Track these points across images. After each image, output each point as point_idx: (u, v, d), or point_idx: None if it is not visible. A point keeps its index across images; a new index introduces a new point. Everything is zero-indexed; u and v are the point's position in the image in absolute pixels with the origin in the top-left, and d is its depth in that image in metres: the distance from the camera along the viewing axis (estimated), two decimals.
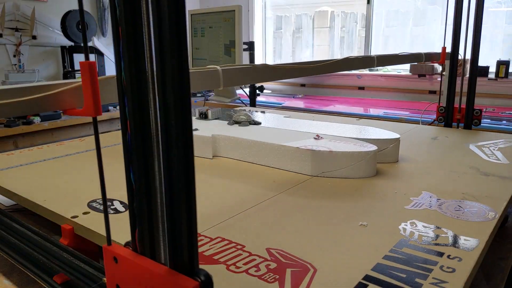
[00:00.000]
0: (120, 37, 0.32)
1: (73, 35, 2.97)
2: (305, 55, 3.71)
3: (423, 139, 1.14)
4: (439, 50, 1.38)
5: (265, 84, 3.03)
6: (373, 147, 0.82)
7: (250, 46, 2.26)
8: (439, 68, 2.68)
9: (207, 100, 2.66)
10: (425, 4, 2.99)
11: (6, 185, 0.76)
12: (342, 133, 0.96)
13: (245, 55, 2.09)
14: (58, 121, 2.34)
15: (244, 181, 0.78)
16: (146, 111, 0.32)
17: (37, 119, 2.45)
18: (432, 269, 0.46)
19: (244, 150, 0.92)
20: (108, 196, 0.70)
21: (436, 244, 0.52)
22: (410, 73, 2.65)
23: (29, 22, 2.99)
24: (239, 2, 1.68)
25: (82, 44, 3.06)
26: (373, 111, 2.39)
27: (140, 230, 0.36)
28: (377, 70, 3.09)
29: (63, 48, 3.11)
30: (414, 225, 0.58)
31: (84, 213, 0.63)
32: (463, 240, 0.53)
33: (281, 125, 1.07)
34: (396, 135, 0.92)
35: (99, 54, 2.93)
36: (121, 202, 0.67)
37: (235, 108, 1.46)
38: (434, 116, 1.39)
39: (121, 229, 0.58)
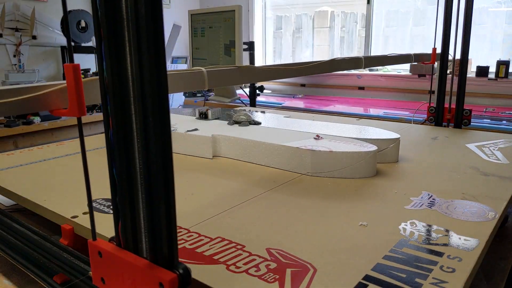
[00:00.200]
0: (102, 38, 0.33)
1: (73, 35, 2.97)
2: (305, 55, 3.71)
3: (423, 139, 1.14)
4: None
5: (265, 84, 3.03)
6: (373, 147, 0.82)
7: (250, 46, 2.26)
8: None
9: (207, 100, 2.66)
10: (425, 4, 3.00)
11: (6, 185, 0.76)
12: (342, 133, 0.96)
13: (245, 55, 2.09)
14: (58, 121, 2.35)
15: (244, 181, 0.78)
16: (128, 109, 0.33)
17: (37, 119, 2.45)
18: (432, 269, 0.46)
19: (244, 150, 0.92)
20: (109, 196, 0.70)
21: (436, 244, 0.52)
22: (410, 73, 2.65)
23: (29, 22, 2.99)
24: (239, 2, 1.68)
25: (82, 44, 3.06)
26: (373, 111, 2.39)
27: (123, 224, 0.37)
28: (377, 70, 3.09)
29: (63, 48, 3.11)
30: (414, 225, 0.58)
31: (84, 213, 0.63)
32: (463, 240, 0.53)
33: (281, 125, 1.07)
34: (396, 135, 0.92)
35: None
36: None
37: (235, 108, 1.46)
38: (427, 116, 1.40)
39: None
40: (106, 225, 0.59)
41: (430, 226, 0.58)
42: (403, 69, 2.88)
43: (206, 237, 0.55)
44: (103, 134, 1.15)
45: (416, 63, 2.64)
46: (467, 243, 0.53)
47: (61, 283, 0.51)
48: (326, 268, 0.47)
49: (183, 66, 3.66)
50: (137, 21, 0.31)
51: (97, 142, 1.12)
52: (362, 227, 0.58)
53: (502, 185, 0.75)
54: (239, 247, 0.52)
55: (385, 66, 3.05)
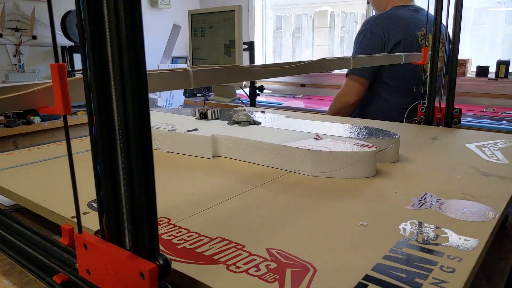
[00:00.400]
0: (85, 39, 0.35)
1: (73, 35, 2.97)
2: (305, 55, 3.71)
3: (423, 139, 1.14)
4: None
5: (265, 84, 3.03)
6: (373, 147, 0.82)
7: (250, 46, 2.26)
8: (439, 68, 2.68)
9: (207, 100, 2.66)
10: (425, 4, 2.99)
11: (6, 185, 0.76)
12: (342, 133, 0.96)
13: (245, 55, 2.09)
14: (58, 121, 2.34)
15: (244, 181, 0.78)
16: (110, 107, 0.35)
17: (37, 119, 2.45)
18: (432, 269, 0.46)
19: (244, 150, 0.92)
20: None
21: (436, 244, 0.52)
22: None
23: (29, 22, 2.99)
24: (239, 2, 1.68)
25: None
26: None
27: (107, 218, 0.39)
28: None
29: (63, 48, 3.11)
30: (414, 225, 0.58)
31: (84, 213, 0.63)
32: (463, 240, 0.53)
33: (281, 125, 1.07)
34: (396, 135, 0.92)
35: None
36: None
37: (235, 108, 1.46)
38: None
39: None
40: None
41: (430, 226, 0.58)
42: None
43: (206, 237, 0.55)
44: None
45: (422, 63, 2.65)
46: (467, 243, 0.53)
47: (61, 283, 0.51)
48: (326, 268, 0.47)
49: (183, 66, 3.65)
50: (117, 23, 0.33)
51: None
52: (362, 227, 0.58)
53: (502, 185, 0.75)
54: (239, 247, 0.52)
55: None
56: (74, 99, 0.41)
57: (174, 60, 3.57)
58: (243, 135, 0.94)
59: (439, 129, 1.30)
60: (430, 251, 0.51)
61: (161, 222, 0.60)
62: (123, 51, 0.33)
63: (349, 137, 0.90)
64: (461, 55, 2.72)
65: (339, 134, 0.94)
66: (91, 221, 0.60)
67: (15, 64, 2.90)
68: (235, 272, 0.47)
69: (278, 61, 3.88)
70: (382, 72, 1.75)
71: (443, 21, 1.34)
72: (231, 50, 1.56)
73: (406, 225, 0.58)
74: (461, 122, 1.32)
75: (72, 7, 3.04)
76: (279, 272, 0.46)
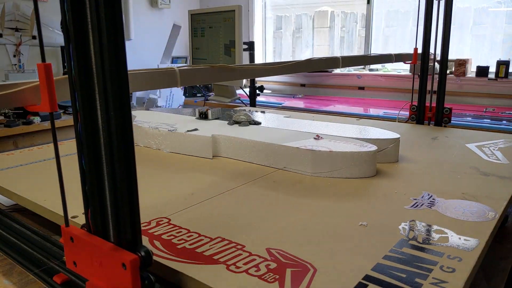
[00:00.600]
0: (70, 40, 0.37)
1: None
2: (305, 55, 3.71)
3: (423, 139, 1.14)
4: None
5: (265, 84, 3.03)
6: (373, 147, 0.82)
7: (250, 46, 2.26)
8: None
9: (207, 100, 2.66)
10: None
11: (6, 185, 0.76)
12: (342, 133, 0.96)
13: (245, 55, 2.09)
14: (58, 121, 2.34)
15: (244, 181, 0.78)
16: (93, 104, 0.37)
17: (37, 119, 2.45)
18: (432, 269, 0.46)
19: (244, 150, 0.92)
20: None
21: (436, 244, 0.52)
22: (410, 73, 2.65)
23: (29, 22, 2.99)
24: (239, 2, 1.68)
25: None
26: (373, 111, 2.39)
27: (92, 211, 0.41)
28: (377, 70, 3.09)
29: (63, 48, 3.11)
30: (414, 225, 0.58)
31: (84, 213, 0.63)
32: (463, 240, 0.53)
33: (281, 125, 1.07)
34: (396, 135, 0.92)
35: None
36: None
37: (235, 108, 1.46)
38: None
39: None
40: None
41: (430, 226, 0.58)
42: (403, 69, 2.88)
43: (206, 237, 0.55)
44: None
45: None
46: (467, 243, 0.53)
47: (61, 283, 0.51)
48: (326, 268, 0.47)
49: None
50: (98, 25, 0.34)
51: None
52: (362, 227, 0.58)
53: (502, 185, 0.75)
54: (239, 247, 0.52)
55: (385, 66, 3.05)
56: (60, 98, 0.43)
57: (174, 60, 3.57)
58: (243, 135, 0.94)
59: (419, 127, 1.31)
60: (430, 251, 0.51)
61: (161, 222, 0.60)
62: (105, 52, 0.35)
63: (349, 137, 0.90)
64: (461, 55, 2.73)
65: (339, 134, 0.94)
66: None
67: (15, 64, 2.90)
68: (235, 272, 0.47)
69: (278, 61, 3.88)
70: None
71: (433, 21, 1.35)
72: (231, 50, 1.56)
73: (406, 225, 0.58)
74: (461, 122, 1.32)
75: None
76: (279, 272, 0.46)
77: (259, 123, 1.10)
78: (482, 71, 2.51)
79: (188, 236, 0.55)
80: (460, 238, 0.54)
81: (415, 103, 1.39)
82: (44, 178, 0.81)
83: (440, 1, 1.31)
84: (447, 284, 0.43)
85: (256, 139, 0.90)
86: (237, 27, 1.51)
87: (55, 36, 3.15)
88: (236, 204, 0.67)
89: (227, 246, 0.52)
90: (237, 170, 0.86)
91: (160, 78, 0.65)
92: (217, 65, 0.74)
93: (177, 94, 3.25)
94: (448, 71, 2.67)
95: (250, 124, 1.09)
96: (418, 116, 1.38)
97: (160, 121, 1.10)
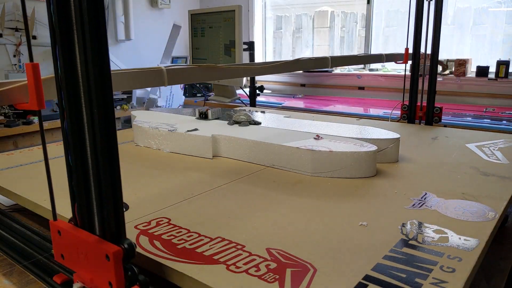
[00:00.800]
0: (56, 42, 0.38)
1: None
2: (305, 55, 3.71)
3: (423, 139, 1.14)
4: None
5: (265, 84, 3.03)
6: (373, 147, 0.82)
7: (250, 46, 2.26)
8: (439, 68, 2.68)
9: (207, 100, 2.66)
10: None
11: (6, 185, 0.76)
12: (342, 133, 0.96)
13: (245, 55, 2.09)
14: (58, 121, 2.34)
15: (244, 181, 0.78)
16: (78, 102, 0.39)
17: (37, 119, 2.45)
18: (432, 269, 0.46)
19: (244, 150, 0.92)
20: None
21: (436, 244, 0.52)
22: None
23: (29, 22, 2.99)
24: (239, 2, 1.68)
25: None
26: (373, 111, 2.39)
27: (79, 206, 0.42)
28: (377, 70, 3.09)
29: None
30: (414, 225, 0.58)
31: None
32: (463, 240, 0.53)
33: (281, 125, 1.07)
34: (396, 135, 0.92)
35: None
36: None
37: (235, 108, 1.46)
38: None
39: None
40: None
41: (430, 226, 0.58)
42: (403, 69, 2.87)
43: (206, 237, 0.55)
44: None
45: (421, 63, 2.65)
46: (467, 243, 0.53)
47: (61, 283, 0.51)
48: (326, 268, 0.47)
49: None
50: (82, 27, 0.36)
51: None
52: (362, 227, 0.58)
53: (502, 185, 0.75)
54: (239, 247, 0.52)
55: (385, 66, 3.05)
56: (48, 96, 0.44)
57: (174, 60, 3.57)
58: (243, 135, 0.94)
59: (410, 125, 1.32)
60: (430, 251, 0.51)
61: (161, 222, 0.60)
62: (88, 52, 0.36)
63: (349, 137, 0.90)
64: (461, 55, 2.73)
65: (339, 134, 0.94)
66: None
67: (15, 64, 2.90)
68: (235, 272, 0.47)
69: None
70: None
71: (424, 21, 1.36)
72: (231, 50, 1.56)
73: (406, 225, 0.58)
74: (461, 122, 1.33)
75: None
76: (279, 272, 0.46)
77: (259, 123, 1.10)
78: (482, 71, 2.51)
79: (188, 236, 0.55)
80: (460, 238, 0.54)
81: (407, 103, 1.41)
82: (44, 178, 0.81)
83: (431, 1, 1.32)
84: (447, 284, 0.43)
85: (256, 139, 0.90)
86: (237, 27, 1.51)
87: None
88: (236, 204, 0.67)
89: (227, 246, 0.52)
90: (237, 170, 0.86)
91: (147, 77, 0.67)
92: (203, 65, 0.75)
93: (177, 94, 3.25)
94: (448, 71, 2.68)
95: (250, 124, 1.09)
96: (409, 115, 1.41)
97: (160, 121, 1.10)
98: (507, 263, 0.65)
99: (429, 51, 1.38)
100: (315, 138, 0.89)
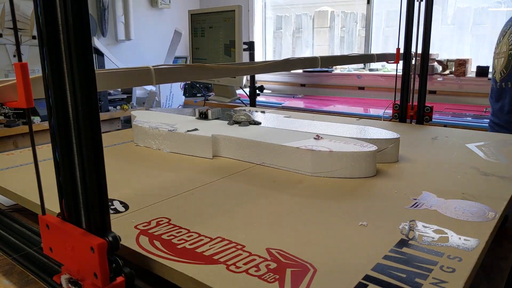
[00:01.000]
0: (43, 42, 0.40)
1: None
2: (305, 55, 3.70)
3: (423, 139, 1.14)
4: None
5: (265, 84, 3.03)
6: (373, 147, 0.82)
7: (250, 46, 2.26)
8: (439, 68, 2.68)
9: (207, 100, 2.66)
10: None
11: (6, 185, 0.76)
12: (342, 133, 0.96)
13: (245, 55, 2.09)
14: None
15: (244, 181, 0.78)
16: (65, 100, 0.40)
17: (37, 119, 2.45)
18: (432, 269, 0.46)
19: (244, 150, 0.92)
20: (108, 196, 0.70)
21: (436, 244, 0.52)
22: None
23: (29, 22, 2.99)
24: (239, 2, 1.68)
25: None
26: (373, 111, 2.39)
27: (66, 200, 0.44)
28: (377, 70, 3.09)
29: None
30: (414, 225, 0.58)
31: None
32: (463, 240, 0.53)
33: (281, 125, 1.07)
34: (396, 135, 0.92)
35: (99, 54, 2.93)
36: (121, 202, 0.67)
37: (235, 108, 1.46)
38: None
39: (122, 228, 0.58)
40: None
41: (430, 226, 0.58)
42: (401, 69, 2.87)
43: (206, 237, 0.55)
44: (104, 134, 1.14)
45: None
46: (467, 243, 0.53)
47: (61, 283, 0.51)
48: (326, 268, 0.47)
49: None
50: (67, 29, 0.38)
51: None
52: (362, 227, 0.58)
53: (502, 185, 0.75)
54: (239, 247, 0.52)
55: (385, 66, 3.05)
56: (36, 95, 0.45)
57: (175, 60, 3.57)
58: (243, 135, 0.94)
59: (400, 124, 1.33)
60: (430, 251, 0.51)
61: (161, 222, 0.60)
62: (73, 53, 0.38)
63: (349, 137, 0.90)
64: (461, 55, 2.72)
65: (339, 134, 0.94)
66: None
67: None
68: (235, 272, 0.47)
69: None
70: None
71: (415, 19, 1.37)
72: (231, 50, 1.56)
73: (406, 225, 0.58)
74: (461, 122, 1.33)
75: None
76: (279, 272, 0.46)
77: (259, 123, 1.10)
78: (482, 71, 2.51)
79: (188, 236, 0.55)
80: (460, 238, 0.54)
81: (398, 102, 1.43)
82: (44, 178, 0.81)
83: (421, 2, 1.33)
84: (447, 284, 0.43)
85: (256, 139, 0.90)
86: (237, 27, 1.51)
87: None
88: (236, 204, 0.67)
89: (227, 246, 0.52)
90: (237, 170, 0.86)
91: (135, 77, 0.68)
92: (191, 64, 0.76)
93: (177, 94, 3.25)
94: (448, 71, 2.68)
95: (250, 124, 1.09)
96: (401, 114, 1.42)
97: (160, 121, 1.10)
98: (507, 263, 0.65)
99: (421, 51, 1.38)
100: (315, 138, 0.89)
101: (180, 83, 3.24)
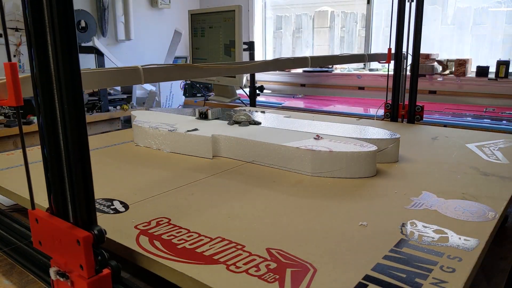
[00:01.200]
0: (31, 43, 0.41)
1: None
2: (305, 55, 3.70)
3: (423, 139, 1.14)
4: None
5: (265, 84, 3.03)
6: (373, 147, 0.82)
7: (250, 46, 2.26)
8: (439, 68, 2.68)
9: (207, 100, 2.66)
10: (425, 4, 2.99)
11: (6, 185, 0.76)
12: (342, 133, 0.96)
13: (245, 55, 2.09)
14: None
15: (243, 181, 0.78)
16: (52, 99, 0.42)
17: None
18: (432, 269, 0.46)
19: (244, 150, 0.92)
20: (108, 196, 0.70)
21: (436, 244, 0.52)
22: (410, 73, 2.65)
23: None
24: (239, 2, 1.68)
25: (82, 44, 3.06)
26: (373, 111, 2.39)
27: (54, 195, 0.45)
28: (377, 70, 3.09)
29: None
30: (414, 225, 0.58)
31: None
32: (463, 240, 0.53)
33: (281, 125, 1.07)
34: (396, 135, 0.92)
35: (99, 54, 2.93)
36: (121, 202, 0.67)
37: (235, 108, 1.46)
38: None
39: (122, 228, 0.58)
40: (107, 225, 0.59)
41: (430, 226, 0.58)
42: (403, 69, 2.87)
43: (206, 237, 0.55)
44: (104, 134, 1.15)
45: (421, 63, 2.64)
46: (467, 243, 0.53)
47: None
48: (326, 268, 0.47)
49: None
50: (53, 29, 0.39)
51: (97, 142, 1.12)
52: (362, 227, 0.58)
53: (502, 185, 0.75)
54: (239, 247, 0.52)
55: (385, 66, 3.05)
56: (25, 93, 0.47)
57: (175, 60, 3.57)
58: (243, 135, 0.94)
59: (392, 123, 1.33)
60: (430, 251, 0.51)
61: (161, 222, 0.60)
62: (59, 52, 0.40)
63: (349, 137, 0.90)
64: (461, 55, 2.72)
65: (339, 134, 0.94)
66: None
67: None
68: (235, 272, 0.47)
69: None
70: None
71: (405, 18, 1.38)
72: (231, 50, 1.56)
73: (406, 225, 0.58)
74: (461, 122, 1.33)
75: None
76: (279, 272, 0.46)
77: (259, 123, 1.10)
78: (482, 71, 2.51)
79: (188, 236, 0.55)
80: (460, 238, 0.54)
81: (390, 102, 1.44)
82: (44, 178, 0.81)
83: (412, 2, 1.34)
84: (447, 284, 0.43)
85: (256, 139, 0.90)
86: (237, 27, 1.51)
87: None
88: (236, 204, 0.67)
89: (227, 246, 0.52)
90: (237, 170, 0.86)
91: (124, 76, 0.70)
92: (180, 64, 0.78)
93: (177, 94, 3.25)
94: (448, 71, 2.68)
95: (250, 124, 1.09)
96: (392, 113, 1.44)
97: (160, 121, 1.10)
98: (507, 263, 0.65)
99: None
100: (315, 138, 0.89)
101: (180, 83, 3.24)
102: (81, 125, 0.42)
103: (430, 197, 0.69)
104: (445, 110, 2.35)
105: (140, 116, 1.16)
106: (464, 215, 0.61)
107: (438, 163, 0.90)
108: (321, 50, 3.57)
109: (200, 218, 0.62)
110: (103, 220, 0.60)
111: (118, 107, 2.95)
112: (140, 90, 3.35)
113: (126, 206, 0.66)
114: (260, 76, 3.38)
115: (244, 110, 1.42)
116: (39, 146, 1.15)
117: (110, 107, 2.86)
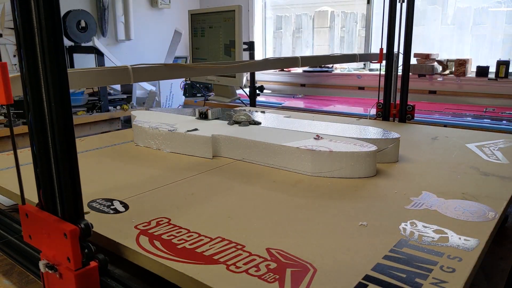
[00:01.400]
0: (20, 44, 0.43)
1: (73, 35, 2.97)
2: (305, 55, 3.70)
3: (423, 139, 1.14)
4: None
5: (265, 84, 3.03)
6: (373, 147, 0.82)
7: (250, 46, 2.26)
8: (439, 68, 2.68)
9: (207, 100, 2.66)
10: (425, 4, 2.99)
11: (6, 185, 0.76)
12: (342, 133, 0.96)
13: (245, 55, 2.09)
14: None
15: (243, 181, 0.78)
16: (40, 97, 0.43)
17: None
18: (432, 269, 0.47)
19: (244, 150, 0.92)
20: (108, 196, 0.70)
21: (436, 244, 0.52)
22: (410, 73, 2.65)
23: None
24: (239, 2, 1.68)
25: (82, 44, 3.05)
26: (373, 111, 2.38)
27: (43, 191, 0.47)
28: (377, 70, 3.09)
29: (66, 48, 3.10)
30: (414, 225, 0.58)
31: (84, 213, 0.63)
32: (463, 240, 0.53)
33: (281, 125, 1.07)
34: (396, 135, 0.92)
35: (99, 54, 2.93)
36: (121, 202, 0.67)
37: (235, 108, 1.46)
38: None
39: (122, 228, 0.58)
40: (107, 225, 0.59)
41: (430, 226, 0.58)
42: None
43: (206, 237, 0.55)
44: (104, 134, 1.15)
45: (422, 63, 2.64)
46: (467, 243, 0.53)
47: None
48: (326, 268, 0.47)
49: None
50: (41, 31, 0.41)
51: (97, 142, 1.12)
52: (362, 227, 0.58)
53: (502, 185, 0.75)
54: (239, 247, 0.52)
55: (383, 66, 3.05)
56: (16, 92, 0.48)
57: (174, 60, 3.57)
58: (243, 135, 0.94)
59: (384, 122, 1.33)
60: (430, 251, 0.51)
61: (161, 222, 0.60)
62: (46, 53, 0.41)
63: (349, 137, 0.90)
64: (461, 55, 2.72)
65: (339, 134, 0.94)
66: (91, 221, 0.60)
67: (15, 64, 2.90)
68: (235, 272, 0.47)
69: None
70: None
71: (397, 18, 1.39)
72: (231, 50, 1.56)
73: (406, 225, 0.58)
74: (461, 122, 1.33)
75: (72, 7, 3.04)
76: (279, 272, 0.46)
77: (259, 123, 1.10)
78: (482, 71, 2.51)
79: (188, 236, 0.55)
80: (460, 238, 0.54)
81: (382, 101, 1.45)
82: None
83: (403, 3, 1.34)
84: (447, 284, 0.43)
85: (256, 139, 0.90)
86: (237, 27, 1.51)
87: None
88: (236, 204, 0.67)
89: (227, 246, 0.52)
90: (237, 170, 0.86)
91: (113, 75, 0.71)
92: (169, 64, 0.79)
93: (177, 94, 3.25)
94: (448, 71, 2.68)
95: (250, 124, 1.09)
96: (384, 113, 1.45)
97: (160, 121, 1.10)
98: (507, 263, 0.65)
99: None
100: (315, 138, 0.89)
101: (180, 83, 3.24)
102: (68, 123, 0.43)
103: (430, 197, 0.69)
104: (445, 110, 2.35)
105: (140, 116, 1.16)
106: (464, 215, 0.61)
107: (438, 163, 0.90)
108: (321, 50, 3.58)
109: (200, 218, 0.62)
110: (103, 220, 0.60)
111: (118, 107, 2.95)
112: (140, 90, 3.35)
113: (126, 206, 0.66)
114: (260, 76, 3.38)
115: (244, 110, 1.42)
116: None
117: (110, 107, 2.86)
